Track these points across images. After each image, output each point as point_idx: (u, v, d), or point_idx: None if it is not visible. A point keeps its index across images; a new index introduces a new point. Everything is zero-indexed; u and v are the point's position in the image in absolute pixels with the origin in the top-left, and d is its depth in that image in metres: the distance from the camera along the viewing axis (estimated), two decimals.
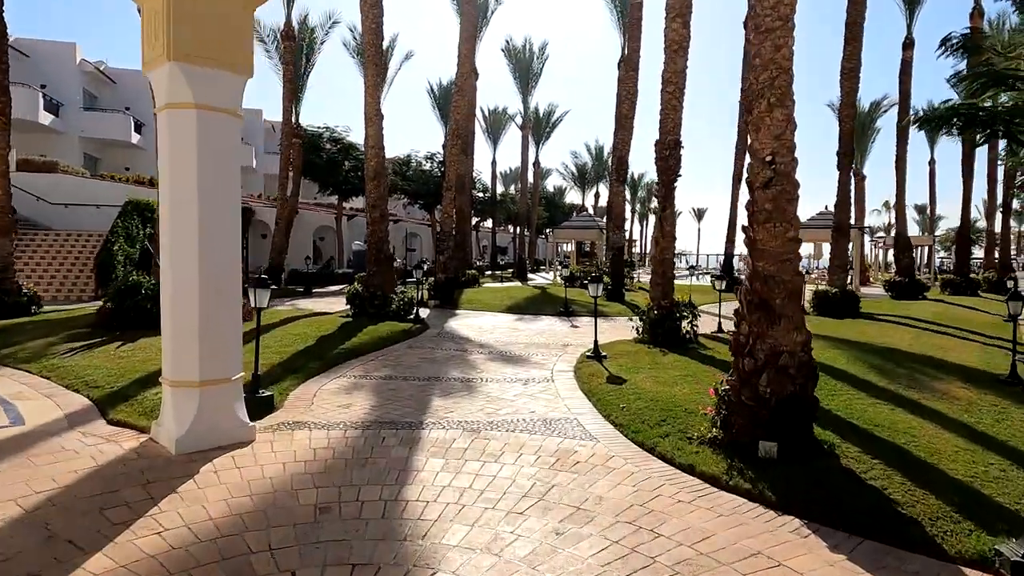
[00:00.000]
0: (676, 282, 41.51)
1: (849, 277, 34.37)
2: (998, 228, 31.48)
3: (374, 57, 15.51)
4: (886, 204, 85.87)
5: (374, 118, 15.42)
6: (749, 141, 5.50)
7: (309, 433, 6.09)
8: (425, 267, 18.48)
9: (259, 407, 6.69)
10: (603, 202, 62.38)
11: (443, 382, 8.44)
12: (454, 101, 20.01)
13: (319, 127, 31.24)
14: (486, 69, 59.14)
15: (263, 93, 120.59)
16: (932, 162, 46.73)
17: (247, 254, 30.75)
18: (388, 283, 15.07)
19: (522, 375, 8.96)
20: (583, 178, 58.59)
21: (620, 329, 14.11)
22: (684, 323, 11.78)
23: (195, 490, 4.70)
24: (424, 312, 17.42)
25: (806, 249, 44.08)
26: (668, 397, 7.31)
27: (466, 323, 15.20)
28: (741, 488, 4.78)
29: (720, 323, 13.86)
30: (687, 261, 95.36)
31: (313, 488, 4.77)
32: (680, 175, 12.01)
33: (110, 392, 7.28)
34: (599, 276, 10.07)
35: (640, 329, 12.04)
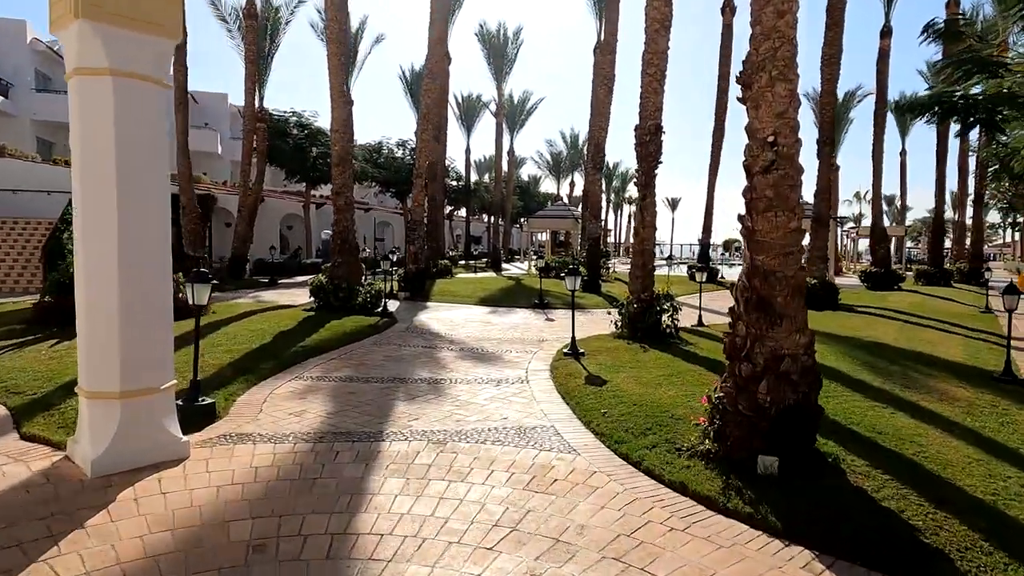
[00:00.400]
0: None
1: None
2: (969, 219, 31.72)
3: (337, 34, 14.66)
4: (857, 195, 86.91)
5: (339, 100, 14.58)
6: (748, 120, 4.91)
7: (252, 448, 5.38)
8: (394, 257, 17.74)
9: (198, 417, 5.95)
10: (578, 191, 61.91)
11: (408, 384, 7.77)
12: (425, 85, 19.20)
13: (285, 112, 30.17)
14: (459, 54, 58.13)
15: (229, 76, 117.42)
16: (903, 153, 47.17)
17: (210, 243, 29.61)
18: (354, 274, 14.29)
19: (495, 375, 8.33)
20: (558, 167, 57.97)
21: (598, 322, 13.56)
22: (665, 317, 11.26)
23: (107, 524, 3.98)
24: (393, 305, 16.68)
25: None
26: (653, 401, 6.74)
27: (437, 316, 14.51)
28: (741, 512, 4.21)
29: (700, 316, 13.38)
30: (662, 251, 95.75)
31: (249, 519, 4.09)
32: (661, 162, 11.44)
33: (31, 400, 6.48)
34: (575, 268, 9.48)
35: (619, 323, 11.49)
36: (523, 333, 12.22)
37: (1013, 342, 9.02)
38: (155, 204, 4.98)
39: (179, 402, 5.65)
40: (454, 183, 47.10)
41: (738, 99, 5.02)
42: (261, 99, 26.01)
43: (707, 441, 5.02)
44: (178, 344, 5.90)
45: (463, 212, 55.59)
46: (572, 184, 59.34)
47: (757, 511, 4.18)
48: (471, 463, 5.12)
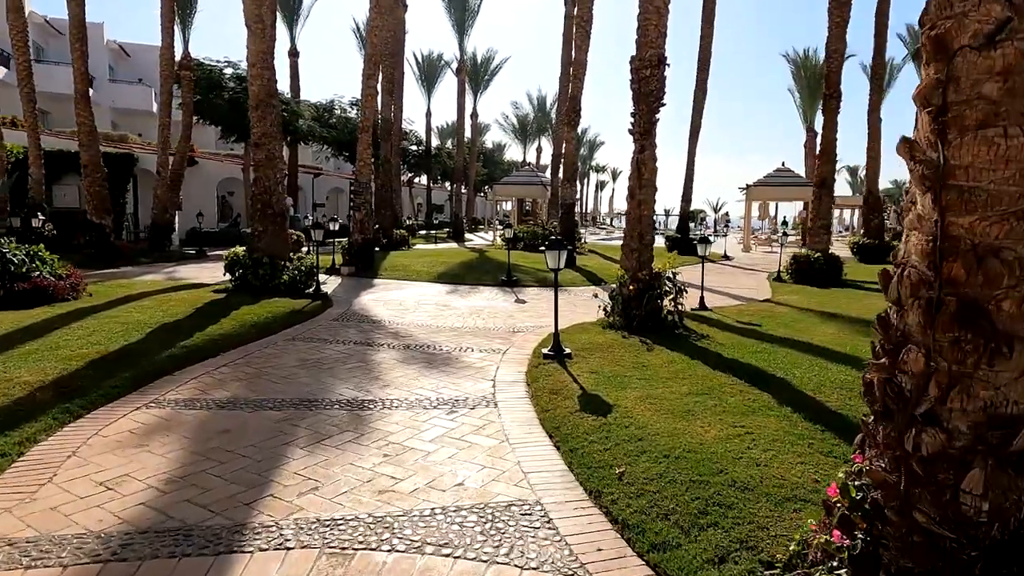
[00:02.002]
0: (614, 243, 38.95)
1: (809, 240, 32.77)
2: None
3: None
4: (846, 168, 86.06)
5: (256, 27, 11.67)
6: None
7: None
8: (334, 226, 15.03)
9: None
10: (546, 158, 59.12)
11: (319, 412, 5.25)
12: (371, 21, 16.24)
13: (219, 61, 26.63)
14: (420, 13, 54.14)
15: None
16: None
17: (136, 210, 26.26)
18: (280, 246, 11.58)
19: (449, 392, 5.86)
20: (524, 131, 55.00)
21: (579, 305, 11.17)
22: (666, 301, 8.93)
23: None
24: (333, 283, 14.02)
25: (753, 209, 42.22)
26: (693, 445, 4.36)
27: (383, 297, 11.94)
28: None
29: (703, 297, 11.08)
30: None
31: None
32: (664, 103, 8.98)
33: None
34: (559, 241, 7.01)
35: (609, 309, 9.12)
36: (489, 320, 9.76)
37: None
38: None
39: None
40: (414, 148, 43.97)
41: None
42: (185, 43, 22.61)
43: (843, 568, 2.65)
44: None
45: (424, 179, 52.45)
46: (539, 150, 56.56)
47: None
48: None
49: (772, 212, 53.85)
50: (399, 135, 29.65)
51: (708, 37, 25.29)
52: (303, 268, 11.50)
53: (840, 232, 48.15)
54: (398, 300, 11.66)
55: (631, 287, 8.78)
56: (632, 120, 9.12)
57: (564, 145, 18.47)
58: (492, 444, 4.58)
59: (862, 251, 22.75)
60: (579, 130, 50.89)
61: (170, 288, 11.43)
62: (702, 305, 10.88)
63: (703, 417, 4.90)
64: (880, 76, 23.18)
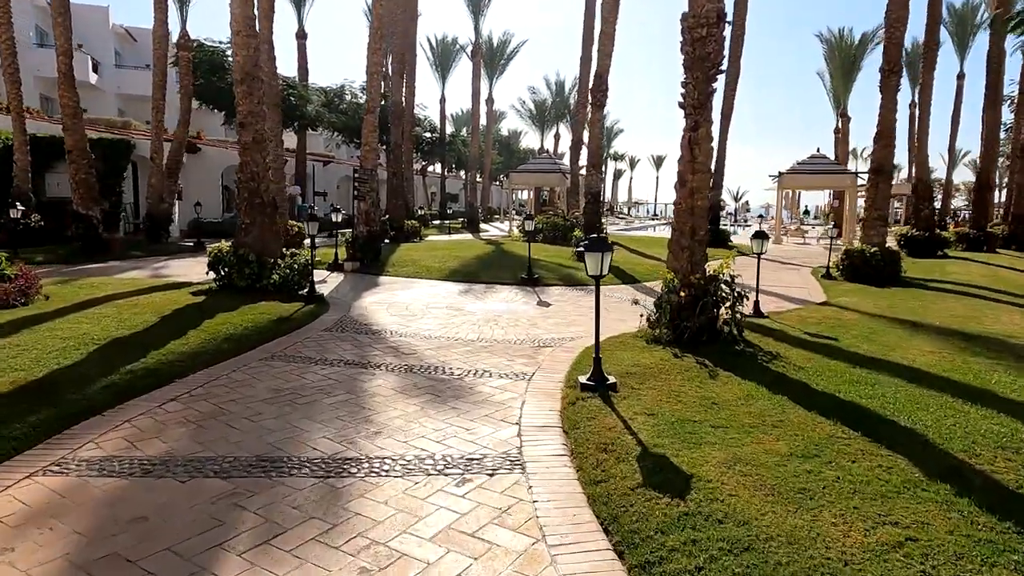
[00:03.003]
0: (635, 233, 36.82)
1: (839, 232, 30.85)
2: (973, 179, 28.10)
3: None
4: (853, 151, 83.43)
5: None
6: None
7: None
8: (338, 217, 13.60)
9: None
10: (563, 145, 57.35)
11: (280, 480, 3.80)
12: None
13: (222, 42, 25.21)
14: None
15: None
16: (913, 104, 43.29)
17: (136, 200, 25.02)
18: (270, 241, 10.15)
19: (459, 443, 4.39)
20: (542, 117, 53.07)
21: (611, 309, 9.66)
22: (722, 310, 7.40)
23: None
24: (334, 280, 12.63)
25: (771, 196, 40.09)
26: (835, 569, 2.83)
27: (389, 299, 10.49)
28: None
29: (758, 301, 9.49)
30: (648, 210, 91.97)
31: None
32: (722, 70, 7.39)
33: None
34: (601, 239, 5.45)
35: (652, 318, 7.59)
36: (509, 330, 8.28)
37: None
38: None
39: None
40: (428, 135, 42.45)
41: None
42: (183, 21, 21.22)
43: None
44: None
45: (438, 168, 50.96)
46: (557, 136, 54.60)
47: None
48: None
49: (810, 200, 51.58)
50: (411, 120, 28.14)
51: (743, 4, 23.41)
52: (297, 266, 10.08)
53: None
54: (404, 303, 10.20)
55: (682, 293, 7.24)
56: (683, 91, 7.53)
57: (589, 127, 16.85)
58: (522, 547, 3.10)
59: (911, 244, 20.89)
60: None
61: (146, 289, 10.05)
62: (757, 311, 9.31)
63: (829, 503, 3.36)
64: (933, 51, 21.19)
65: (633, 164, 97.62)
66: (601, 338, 7.38)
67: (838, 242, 16.10)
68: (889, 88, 14.39)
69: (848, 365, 6.30)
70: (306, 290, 9.86)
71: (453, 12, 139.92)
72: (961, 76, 40.62)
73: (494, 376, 6.06)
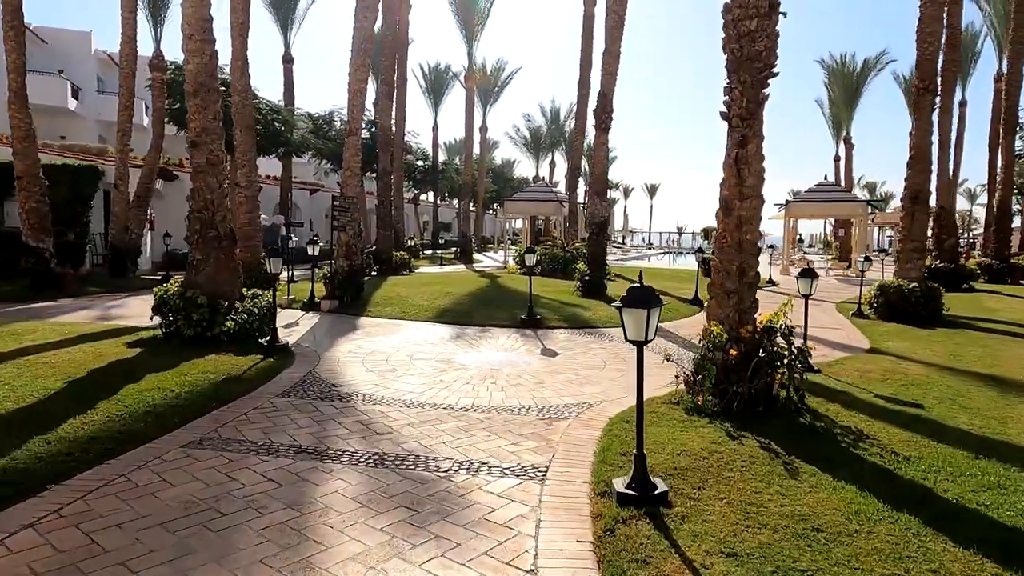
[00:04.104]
0: (632, 264, 35.13)
1: (850, 262, 29.49)
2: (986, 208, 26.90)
3: None
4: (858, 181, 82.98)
5: None
6: None
7: None
8: (313, 249, 12.10)
9: None
10: (559, 174, 56.26)
11: None
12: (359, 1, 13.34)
13: None
14: (426, 21, 51.88)
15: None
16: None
17: (107, 230, 23.41)
18: (225, 281, 8.58)
19: None
20: (536, 144, 52.10)
21: (630, 361, 8.08)
22: (779, 372, 5.86)
23: None
24: (307, 322, 11.05)
25: (770, 225, 38.80)
26: None
27: (367, 347, 8.91)
28: None
29: (805, 342, 7.92)
30: (643, 239, 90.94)
31: None
32: (776, 72, 5.99)
33: None
34: (645, 289, 3.89)
35: (692, 379, 6.04)
36: (511, 391, 6.70)
37: None
38: None
39: None
40: (420, 163, 41.20)
41: None
42: (157, 41, 19.92)
43: None
44: None
45: (430, 196, 49.64)
46: (552, 164, 53.60)
47: None
48: None
49: (806, 229, 50.32)
50: (401, 146, 26.81)
51: None
52: (257, 310, 8.51)
53: (873, 252, 44.81)
54: (385, 352, 8.62)
55: (732, 351, 5.71)
56: (726, 99, 6.10)
57: (593, 151, 15.47)
58: None
59: (936, 277, 19.32)
60: (587, 142, 48.24)
61: (75, 338, 8.42)
62: (807, 364, 7.76)
63: None
64: (953, 73, 20.07)
65: (627, 193, 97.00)
66: (627, 403, 5.87)
67: (870, 275, 14.64)
68: (923, 107, 13.13)
69: (965, 453, 4.75)
70: (268, 337, 8.27)
71: (446, 39, 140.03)
72: (963, 103, 39.90)
73: (495, 473, 4.47)
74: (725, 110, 6.10)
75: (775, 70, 5.97)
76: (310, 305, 12.44)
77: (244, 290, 9.09)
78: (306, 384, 6.83)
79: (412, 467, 4.55)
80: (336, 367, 7.71)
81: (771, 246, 39.15)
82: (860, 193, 63.05)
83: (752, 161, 5.93)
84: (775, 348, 5.85)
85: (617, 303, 3.89)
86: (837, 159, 47.68)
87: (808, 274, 7.81)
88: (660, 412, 5.83)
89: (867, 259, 14.66)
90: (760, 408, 5.67)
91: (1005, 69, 23.85)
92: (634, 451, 4.02)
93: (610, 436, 5.12)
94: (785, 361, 5.89)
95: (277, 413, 5.75)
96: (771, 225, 47.35)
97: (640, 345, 3.87)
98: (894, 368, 8.03)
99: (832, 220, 52.39)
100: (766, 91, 5.99)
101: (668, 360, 6.55)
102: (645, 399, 6.22)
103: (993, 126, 30.04)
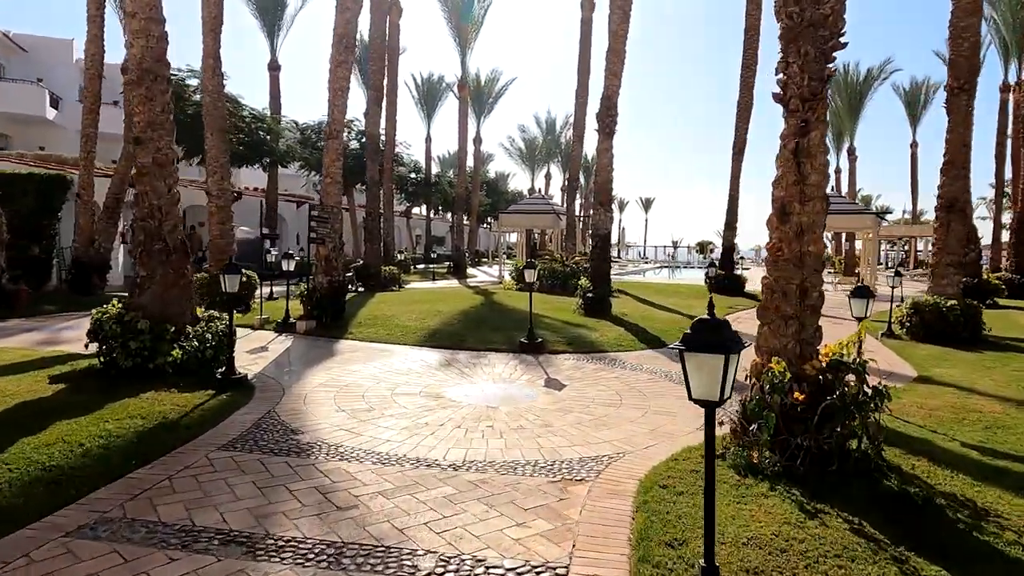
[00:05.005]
0: (631, 278, 33.79)
1: (858, 276, 28.40)
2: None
3: None
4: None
5: None
6: None
7: None
8: (288, 265, 10.88)
9: None
10: (555, 186, 55.23)
11: None
12: None
13: (180, 70, 22.71)
14: (419, 31, 51.00)
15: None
16: (915, 144, 41.81)
17: (73, 243, 22.06)
18: (174, 302, 7.30)
19: None
20: (532, 156, 51.03)
21: (649, 393, 6.87)
22: (856, 420, 4.61)
23: None
24: (279, 347, 9.78)
25: (750, 239, 37.99)
26: None
27: (343, 379, 7.61)
28: None
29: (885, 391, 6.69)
30: (638, 253, 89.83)
31: None
32: (845, 41, 4.80)
33: None
34: (718, 327, 2.70)
35: (741, 428, 4.80)
36: (511, 439, 5.43)
37: None
38: None
39: None
40: (413, 175, 40.04)
41: None
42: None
43: None
44: None
45: (423, 210, 48.43)
46: (548, 176, 52.53)
47: None
48: None
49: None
50: (391, 156, 25.65)
51: (755, 17, 21.38)
52: (211, 336, 7.22)
53: (879, 267, 43.90)
54: (363, 385, 7.34)
55: (795, 394, 4.47)
56: (781, 77, 4.91)
57: (597, 158, 14.29)
58: None
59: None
60: (587, 154, 47.20)
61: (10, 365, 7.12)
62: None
63: None
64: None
65: (623, 206, 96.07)
66: (658, 455, 4.65)
67: (902, 291, 13.45)
68: (958, 109, 12.03)
69: None
70: (224, 368, 6.98)
71: (439, 51, 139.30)
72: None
73: None
74: (779, 91, 4.90)
75: (843, 39, 4.78)
76: (284, 326, 11.15)
77: (199, 311, 7.80)
78: (260, 430, 5.53)
79: (380, 567, 3.27)
80: (302, 405, 6.42)
81: (740, 255, 37.57)
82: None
83: (816, 153, 4.72)
84: (847, 391, 4.62)
85: (678, 344, 2.64)
86: (838, 171, 46.91)
87: (863, 293, 6.59)
88: (701, 470, 4.57)
89: (898, 273, 13.48)
90: (833, 467, 4.43)
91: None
92: (683, 535, 2.79)
93: (647, 512, 3.86)
94: (870, 407, 4.65)
95: (212, 476, 4.45)
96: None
97: (712, 408, 2.62)
98: (963, 404, 6.80)
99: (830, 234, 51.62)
100: (832, 65, 4.80)
101: (643, 359, 5.28)
102: (680, 451, 4.99)
103: (999, 137, 29.22)
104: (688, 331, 2.65)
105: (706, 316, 2.67)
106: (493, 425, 5.89)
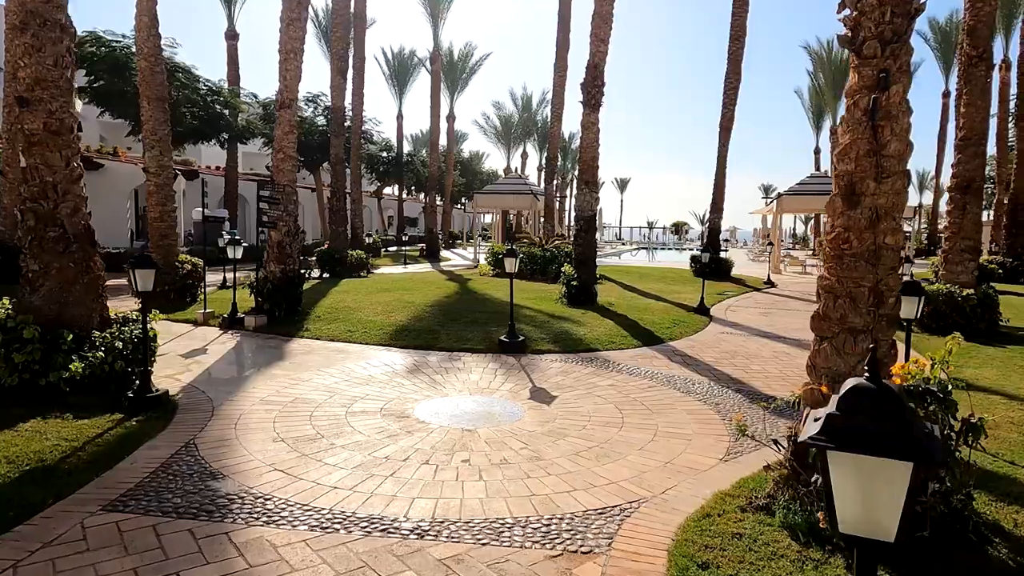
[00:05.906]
0: (610, 261, 32.63)
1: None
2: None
3: None
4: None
5: None
6: None
7: None
8: (235, 252, 9.55)
9: None
10: (531, 166, 53.86)
11: None
12: None
13: (126, 36, 20.77)
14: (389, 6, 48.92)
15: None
16: (947, 94, 40.94)
17: None
18: (75, 302, 5.93)
19: None
20: (508, 134, 49.46)
21: (655, 407, 5.73)
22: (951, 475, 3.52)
23: None
24: (220, 348, 8.42)
25: (747, 222, 36.97)
26: None
27: (288, 393, 6.33)
28: None
29: (980, 425, 5.65)
30: (614, 234, 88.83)
31: None
32: None
33: None
34: (903, 414, 1.74)
35: (797, 476, 3.67)
36: (494, 484, 4.24)
37: None
38: None
39: None
40: (384, 154, 38.36)
41: None
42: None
43: None
44: None
45: (396, 190, 46.71)
46: (524, 156, 51.08)
47: None
48: None
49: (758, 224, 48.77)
50: (359, 132, 24.04)
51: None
52: (121, 345, 5.87)
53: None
54: (311, 404, 6.07)
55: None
56: (849, 13, 3.70)
57: (582, 132, 13.03)
58: None
59: None
60: (564, 132, 45.40)
61: None
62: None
63: None
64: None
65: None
66: (683, 504, 3.50)
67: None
68: (975, 80, 11.02)
69: None
70: (138, 381, 5.65)
71: (411, 25, 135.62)
72: (946, 94, 38.59)
73: None
74: (847, 32, 3.70)
75: None
76: (231, 322, 9.79)
77: (113, 312, 6.43)
78: (168, 475, 4.26)
79: None
80: (232, 433, 5.14)
81: (727, 240, 36.42)
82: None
83: (898, 114, 3.55)
84: (939, 430, 3.50)
85: (819, 437, 1.44)
86: (817, 151, 46.23)
87: (915, 290, 5.49)
88: (746, 533, 3.46)
89: (908, 260, 12.53)
90: (925, 532, 3.32)
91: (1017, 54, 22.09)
92: None
93: None
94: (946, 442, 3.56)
95: (78, 561, 3.18)
96: (744, 220, 45.47)
97: (875, 553, 1.44)
98: (1017, 417, 5.80)
99: (809, 216, 51.07)
100: (914, 22, 3.61)
101: (743, 436, 4.15)
102: (708, 503, 3.86)
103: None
104: (835, 410, 1.45)
105: (863, 380, 1.48)
106: (470, 459, 4.69)
